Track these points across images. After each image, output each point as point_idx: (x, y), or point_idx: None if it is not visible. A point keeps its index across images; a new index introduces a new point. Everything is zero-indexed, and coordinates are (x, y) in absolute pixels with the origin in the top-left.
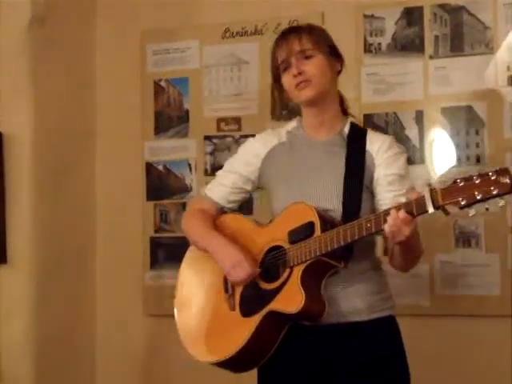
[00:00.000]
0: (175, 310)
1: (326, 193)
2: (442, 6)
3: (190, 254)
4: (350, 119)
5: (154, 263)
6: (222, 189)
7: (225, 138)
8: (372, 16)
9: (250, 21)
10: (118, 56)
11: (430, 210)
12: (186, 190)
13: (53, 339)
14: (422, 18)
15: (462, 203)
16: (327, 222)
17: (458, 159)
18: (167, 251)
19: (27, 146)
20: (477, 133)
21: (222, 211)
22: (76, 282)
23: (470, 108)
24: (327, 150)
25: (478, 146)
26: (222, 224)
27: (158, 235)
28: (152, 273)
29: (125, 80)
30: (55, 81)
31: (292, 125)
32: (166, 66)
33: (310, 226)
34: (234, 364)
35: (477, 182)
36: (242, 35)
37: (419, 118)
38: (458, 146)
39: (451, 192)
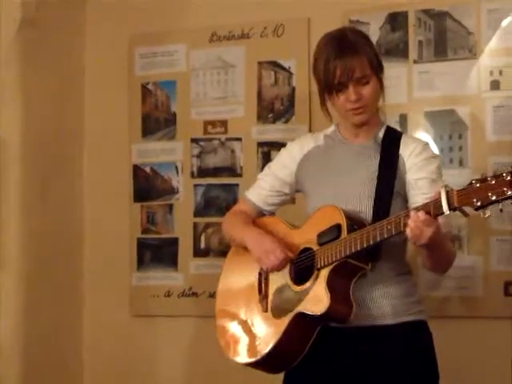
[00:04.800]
0: (216, 311)
1: (358, 195)
2: (426, 12)
3: (231, 256)
4: (387, 124)
5: (141, 264)
6: (260, 192)
7: (211, 141)
8: (357, 21)
9: (236, 25)
10: (107, 59)
11: (446, 211)
12: (173, 191)
13: (41, 339)
14: (406, 23)
15: (477, 204)
16: (355, 224)
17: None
18: (154, 252)
19: (15, 148)
20: (460, 136)
21: (261, 214)
22: (64, 283)
23: (453, 112)
24: (361, 153)
25: (461, 149)
26: (259, 226)
27: (144, 236)
28: (139, 274)
29: (113, 83)
30: (44, 83)
31: (330, 129)
32: (154, 70)
33: (337, 228)
34: (267, 365)
35: (492, 182)
36: (228, 39)
37: (403, 121)
38: (441, 150)
39: (467, 193)
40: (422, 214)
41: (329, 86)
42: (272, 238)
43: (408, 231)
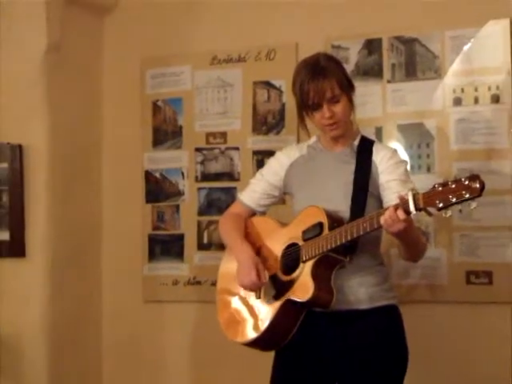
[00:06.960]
0: (216, 297)
1: (337, 197)
2: (398, 38)
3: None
4: (361, 133)
5: (152, 257)
6: (253, 195)
7: (213, 150)
8: (339, 46)
9: (234, 49)
10: (122, 79)
11: (413, 211)
12: (179, 194)
13: (65, 323)
14: (380, 48)
15: (439, 205)
16: (335, 222)
17: (412, 168)
18: (163, 246)
19: (43, 155)
20: (427, 146)
21: (253, 213)
22: (85, 274)
23: (421, 125)
24: (340, 160)
25: (428, 156)
26: (252, 224)
27: (155, 233)
28: (150, 265)
29: (127, 100)
30: (67, 100)
31: (312, 139)
32: (163, 88)
33: (319, 225)
34: (260, 344)
35: (452, 186)
36: (227, 62)
37: (379, 133)
38: (411, 157)
39: (430, 196)
40: (400, 212)
41: (305, 106)
42: (253, 258)
43: (382, 221)
